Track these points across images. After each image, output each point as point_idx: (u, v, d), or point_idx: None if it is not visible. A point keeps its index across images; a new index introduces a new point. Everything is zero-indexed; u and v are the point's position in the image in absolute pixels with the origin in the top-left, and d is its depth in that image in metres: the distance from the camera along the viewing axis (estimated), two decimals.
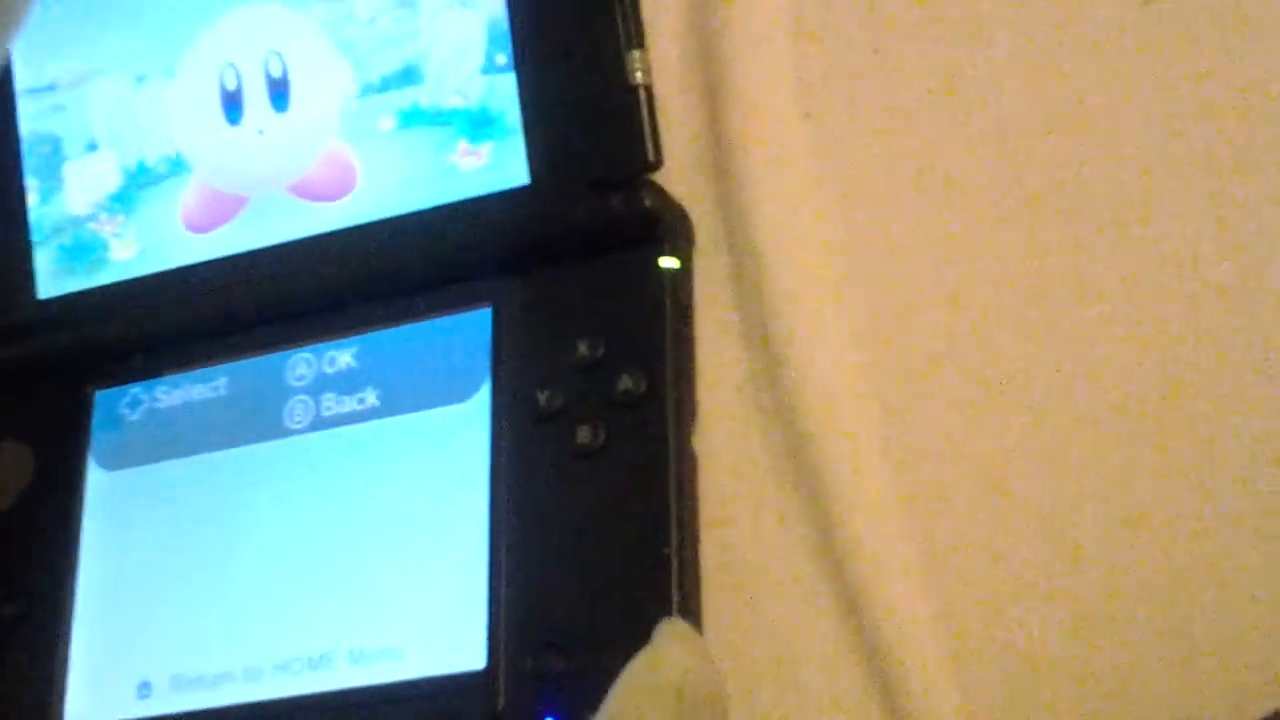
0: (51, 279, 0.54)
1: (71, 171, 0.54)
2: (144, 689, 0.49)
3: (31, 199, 0.54)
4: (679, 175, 0.46)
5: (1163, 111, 0.42)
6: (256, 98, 0.52)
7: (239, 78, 0.52)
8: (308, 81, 0.51)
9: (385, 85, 0.50)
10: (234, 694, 0.47)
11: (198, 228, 0.52)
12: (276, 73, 0.51)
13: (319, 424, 0.49)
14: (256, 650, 0.48)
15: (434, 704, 0.44)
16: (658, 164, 0.46)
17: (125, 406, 0.52)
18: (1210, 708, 0.38)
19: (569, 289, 0.46)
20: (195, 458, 0.50)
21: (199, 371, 0.51)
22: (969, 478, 0.42)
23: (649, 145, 0.46)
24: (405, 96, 0.49)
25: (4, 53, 0.44)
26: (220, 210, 0.52)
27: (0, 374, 0.54)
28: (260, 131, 0.51)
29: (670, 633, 0.38)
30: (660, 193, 0.46)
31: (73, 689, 0.50)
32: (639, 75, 0.46)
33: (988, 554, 0.41)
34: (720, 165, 0.46)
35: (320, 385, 0.49)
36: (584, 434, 0.45)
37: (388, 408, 0.48)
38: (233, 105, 0.52)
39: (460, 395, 0.47)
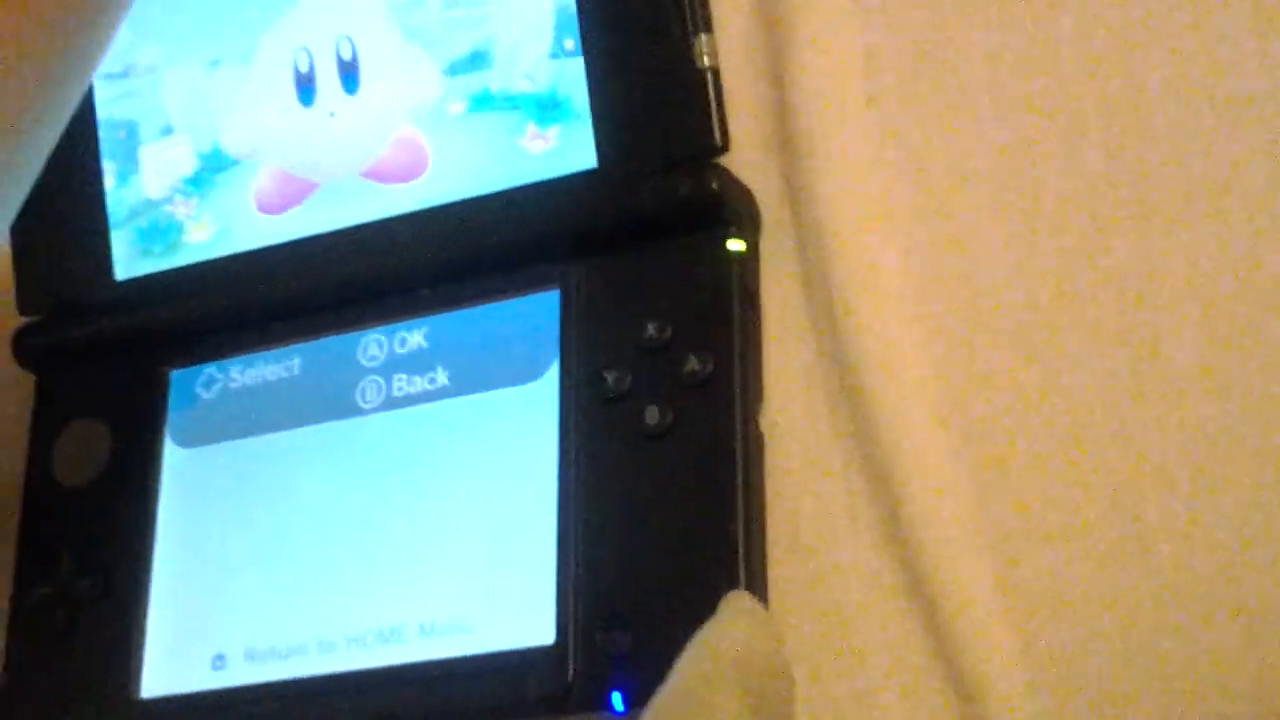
0: (128, 261, 0.55)
1: (147, 155, 0.55)
2: (219, 661, 0.50)
3: (108, 182, 0.55)
4: (745, 158, 0.47)
5: (1234, 97, 0.42)
6: (328, 80, 0.52)
7: (311, 61, 0.53)
8: (377, 65, 0.52)
9: (454, 70, 0.50)
10: (307, 666, 0.48)
11: (271, 210, 0.53)
12: (346, 55, 0.52)
13: (390, 404, 0.50)
14: (329, 623, 0.48)
15: (503, 677, 0.45)
16: (725, 147, 0.46)
17: (200, 385, 0.53)
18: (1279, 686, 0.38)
19: (637, 271, 0.47)
20: (269, 436, 0.51)
21: (273, 351, 0.52)
22: (1037, 458, 0.42)
23: (716, 129, 0.46)
24: (474, 81, 0.50)
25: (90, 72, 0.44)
26: (293, 193, 0.53)
27: (79, 353, 0.55)
28: (332, 114, 0.52)
29: (736, 606, 0.39)
30: (727, 176, 0.46)
31: (149, 662, 0.51)
32: (706, 59, 0.47)
33: (1054, 532, 0.41)
34: (786, 148, 0.47)
35: (392, 365, 0.50)
36: (652, 414, 0.45)
37: (458, 387, 0.49)
38: (305, 88, 0.53)
39: (529, 376, 0.48)
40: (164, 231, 0.55)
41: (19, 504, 0.55)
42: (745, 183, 0.47)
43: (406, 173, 0.51)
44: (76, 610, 0.52)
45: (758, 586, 0.43)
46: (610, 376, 0.46)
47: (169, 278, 0.54)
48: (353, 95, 0.52)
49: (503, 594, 0.46)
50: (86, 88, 0.44)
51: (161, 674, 0.51)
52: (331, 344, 0.51)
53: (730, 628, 0.38)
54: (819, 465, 0.44)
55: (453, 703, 0.46)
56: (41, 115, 0.42)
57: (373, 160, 0.52)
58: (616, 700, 0.43)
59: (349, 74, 0.52)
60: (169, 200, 0.55)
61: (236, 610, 0.50)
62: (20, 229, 0.56)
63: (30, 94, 0.41)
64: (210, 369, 0.53)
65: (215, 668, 0.50)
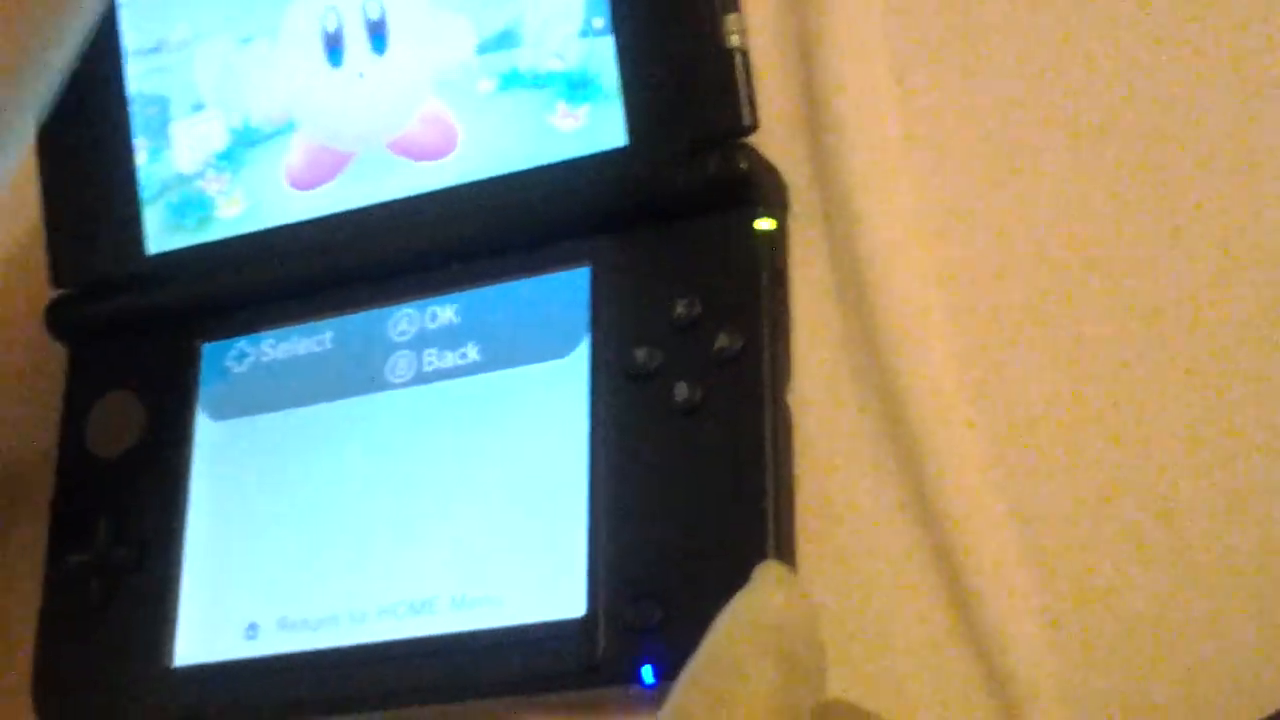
0: (160, 235, 0.56)
1: (179, 131, 0.55)
2: (251, 630, 0.51)
3: (140, 158, 0.56)
4: (773, 136, 0.47)
5: (1256, 79, 0.42)
6: (356, 39, 0.53)
7: (340, 20, 0.53)
8: (405, 26, 0.52)
9: (484, 48, 0.51)
10: (339, 636, 0.49)
11: (302, 186, 0.53)
12: (374, 15, 0.52)
13: (421, 378, 0.50)
14: (361, 594, 0.49)
15: (534, 649, 0.46)
16: (753, 127, 0.47)
17: (232, 359, 0.54)
18: None
19: (666, 249, 0.47)
20: (300, 409, 0.52)
21: (304, 326, 0.53)
22: (1062, 435, 0.42)
23: (745, 108, 0.47)
24: (504, 59, 0.50)
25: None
26: (324, 168, 0.53)
27: (112, 327, 0.56)
28: (361, 75, 0.53)
29: (769, 574, 0.40)
30: (755, 155, 0.47)
31: (182, 630, 0.52)
32: (735, 38, 0.47)
33: (1080, 508, 0.42)
34: (814, 127, 0.47)
35: (422, 340, 0.51)
36: (681, 391, 0.46)
37: (488, 363, 0.49)
38: (334, 49, 0.53)
39: (559, 352, 0.48)
40: (195, 206, 0.55)
41: (54, 475, 0.56)
42: (773, 162, 0.47)
43: (436, 149, 0.51)
44: (111, 580, 0.53)
45: (787, 560, 0.44)
46: (640, 353, 0.47)
47: (200, 252, 0.55)
48: (381, 56, 0.52)
49: (534, 567, 0.47)
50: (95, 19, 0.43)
51: (195, 642, 0.51)
52: (362, 319, 0.52)
53: (764, 596, 0.39)
54: (847, 441, 0.45)
55: (483, 674, 0.47)
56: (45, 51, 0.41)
57: (401, 130, 0.52)
58: (647, 673, 0.44)
59: (377, 34, 0.52)
60: (200, 175, 0.55)
61: (269, 580, 0.51)
62: (53, 203, 0.57)
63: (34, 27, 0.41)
64: (242, 343, 0.54)
65: (248, 637, 0.51)
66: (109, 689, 0.52)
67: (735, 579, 0.40)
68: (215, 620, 0.51)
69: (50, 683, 0.54)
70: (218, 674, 0.51)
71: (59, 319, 0.57)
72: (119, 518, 0.54)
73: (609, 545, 0.46)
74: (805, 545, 0.44)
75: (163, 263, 0.55)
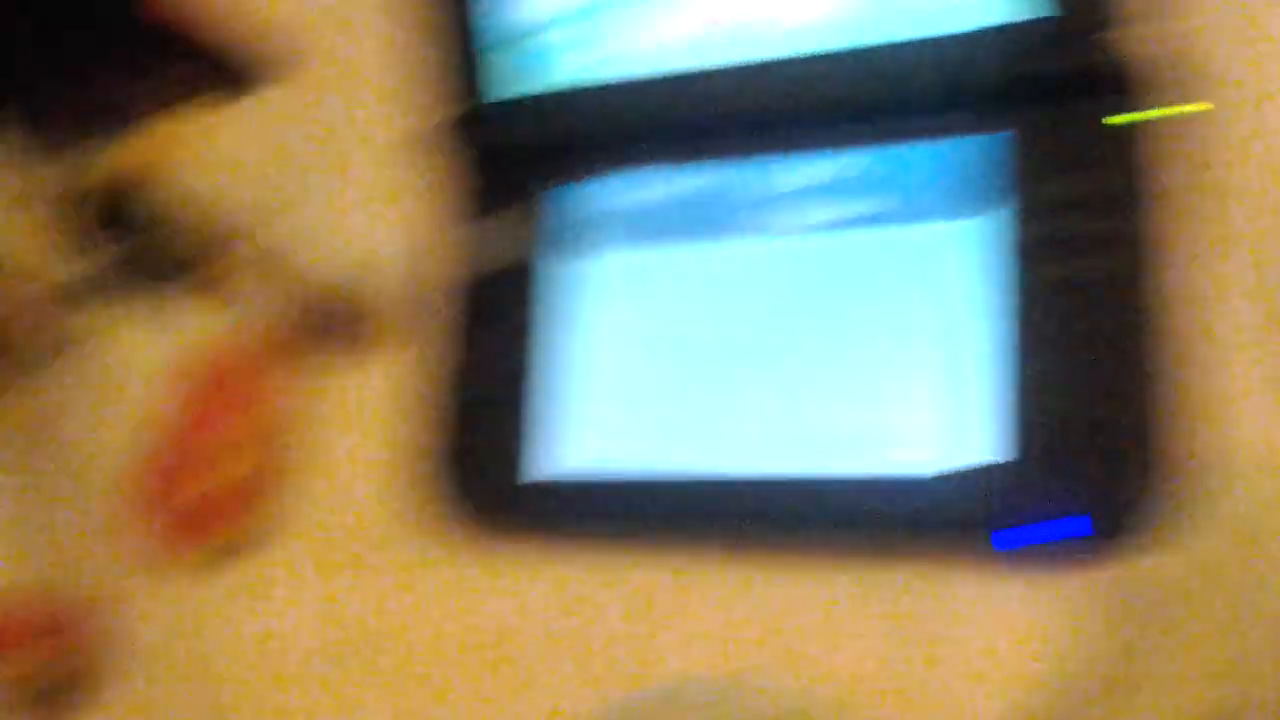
0: (510, 81, 0.56)
1: None
2: (612, 455, 0.52)
3: (494, 4, 0.56)
4: (1199, 26, 0.48)
5: None
6: None
7: None
8: None
9: None
10: (708, 467, 0.51)
11: (664, 41, 0.54)
12: None
13: (815, 227, 0.52)
14: (725, 429, 0.51)
15: (928, 496, 0.47)
16: (1173, 14, 0.48)
17: (612, 195, 0.55)
18: None
19: (1077, 126, 0.49)
20: (680, 248, 0.54)
21: (688, 168, 0.54)
22: None
23: None
24: None
25: None
26: (688, 25, 0.54)
27: (468, 167, 0.58)
28: None
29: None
30: (1177, 43, 0.48)
31: (537, 449, 0.54)
32: None
33: None
34: (1245, 15, 0.48)
35: (823, 190, 0.52)
36: (1073, 265, 0.47)
37: (893, 216, 0.51)
38: None
39: (956, 214, 0.50)
40: (547, 55, 0.56)
41: (430, 294, 0.58)
42: (1199, 50, 0.48)
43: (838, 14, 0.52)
44: (475, 397, 0.55)
45: (1169, 447, 0.45)
46: (1043, 223, 0.48)
47: (551, 100, 0.56)
48: None
49: (927, 417, 0.48)
50: None
51: (550, 460, 0.53)
52: (749, 167, 0.53)
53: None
54: (1238, 336, 0.45)
55: (871, 515, 0.48)
56: None
57: None
58: (1020, 534, 0.46)
59: None
60: (555, 24, 0.55)
61: (634, 408, 0.53)
62: (434, 38, 0.58)
63: None
64: (622, 181, 0.55)
65: (607, 459, 0.52)
66: (479, 500, 0.55)
67: (1116, 450, 0.44)
68: (578, 440, 0.53)
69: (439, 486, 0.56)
70: (577, 492, 0.53)
71: (437, 146, 0.58)
72: (488, 337, 0.56)
73: (1009, 402, 0.47)
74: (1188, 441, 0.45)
75: (516, 107, 0.56)
